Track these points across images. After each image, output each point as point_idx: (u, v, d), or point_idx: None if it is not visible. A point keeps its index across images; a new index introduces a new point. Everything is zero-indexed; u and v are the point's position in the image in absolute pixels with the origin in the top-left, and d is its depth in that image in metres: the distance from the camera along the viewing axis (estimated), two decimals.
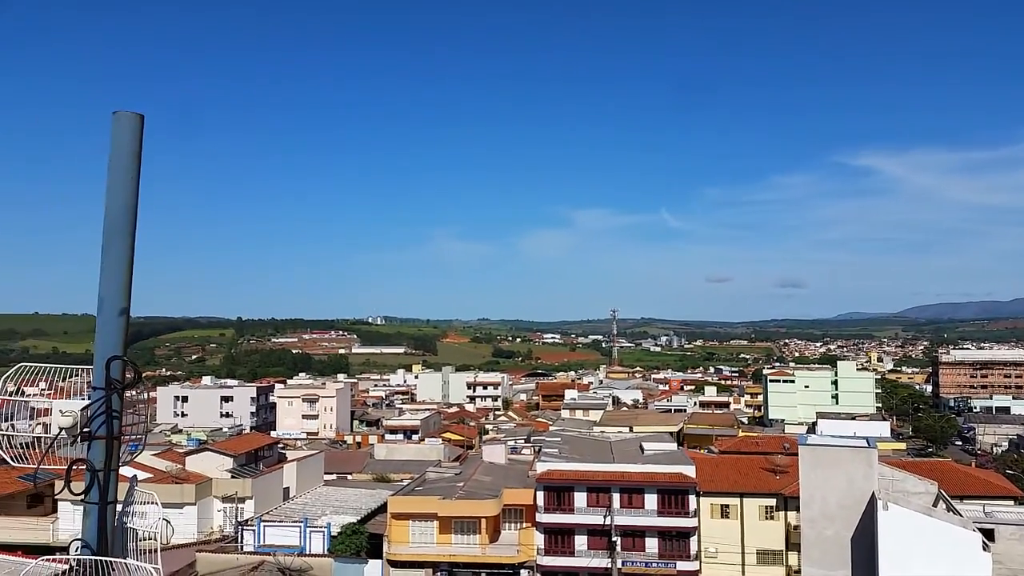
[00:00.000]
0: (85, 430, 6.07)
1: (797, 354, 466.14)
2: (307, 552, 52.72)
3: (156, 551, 6.09)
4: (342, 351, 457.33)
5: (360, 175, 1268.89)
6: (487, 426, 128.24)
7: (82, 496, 6.05)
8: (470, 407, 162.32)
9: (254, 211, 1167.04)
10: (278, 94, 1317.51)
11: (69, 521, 59.84)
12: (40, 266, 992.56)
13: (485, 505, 56.37)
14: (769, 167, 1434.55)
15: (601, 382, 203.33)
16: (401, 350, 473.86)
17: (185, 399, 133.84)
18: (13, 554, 47.73)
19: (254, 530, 55.10)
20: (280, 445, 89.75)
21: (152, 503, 6.39)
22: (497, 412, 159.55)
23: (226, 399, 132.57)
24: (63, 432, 6.15)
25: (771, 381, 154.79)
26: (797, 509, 51.89)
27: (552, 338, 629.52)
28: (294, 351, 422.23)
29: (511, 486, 60.17)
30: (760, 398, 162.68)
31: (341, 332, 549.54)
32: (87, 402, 6.12)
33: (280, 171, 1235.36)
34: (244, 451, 75.13)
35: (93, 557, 5.81)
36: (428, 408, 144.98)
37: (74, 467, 6.16)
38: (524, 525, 58.32)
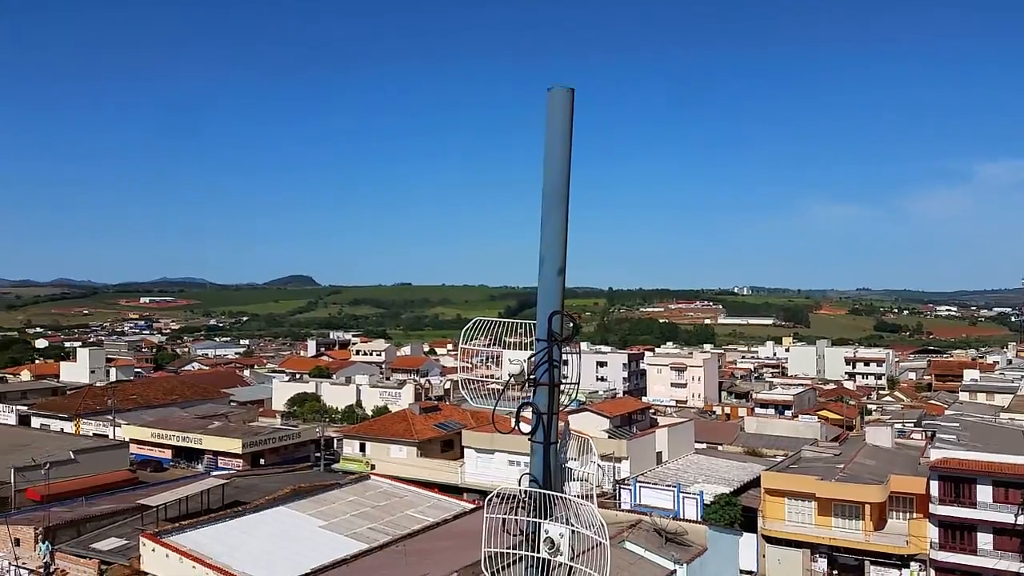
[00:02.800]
0: (531, 377, 6.94)
1: None
2: (680, 516, 53.80)
3: (592, 493, 6.71)
4: (707, 321, 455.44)
5: (727, 141, 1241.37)
6: (869, 406, 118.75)
7: (530, 436, 6.91)
8: (849, 384, 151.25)
9: (623, 188, 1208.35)
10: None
11: (472, 466, 68.43)
12: (446, 243, 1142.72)
13: (869, 490, 52.56)
14: None
15: (1010, 362, 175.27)
16: (769, 321, 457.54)
17: (566, 362, 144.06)
18: (431, 490, 55.57)
19: (630, 489, 57.75)
20: (651, 411, 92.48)
21: (588, 448, 7.05)
22: (881, 391, 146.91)
23: (601, 364, 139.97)
24: (513, 379, 7.13)
25: None
26: None
27: (947, 310, 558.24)
28: (661, 320, 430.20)
29: (898, 472, 55.64)
30: None
31: (706, 302, 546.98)
32: (532, 353, 7.00)
33: (648, 148, 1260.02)
34: (619, 413, 78.71)
35: (540, 490, 6.61)
36: (801, 383, 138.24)
37: (522, 410, 7.07)
38: (914, 515, 53.45)
